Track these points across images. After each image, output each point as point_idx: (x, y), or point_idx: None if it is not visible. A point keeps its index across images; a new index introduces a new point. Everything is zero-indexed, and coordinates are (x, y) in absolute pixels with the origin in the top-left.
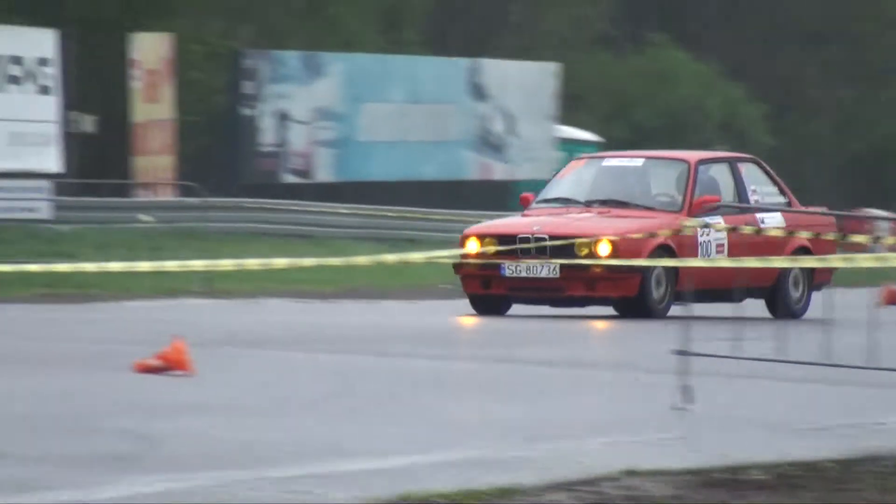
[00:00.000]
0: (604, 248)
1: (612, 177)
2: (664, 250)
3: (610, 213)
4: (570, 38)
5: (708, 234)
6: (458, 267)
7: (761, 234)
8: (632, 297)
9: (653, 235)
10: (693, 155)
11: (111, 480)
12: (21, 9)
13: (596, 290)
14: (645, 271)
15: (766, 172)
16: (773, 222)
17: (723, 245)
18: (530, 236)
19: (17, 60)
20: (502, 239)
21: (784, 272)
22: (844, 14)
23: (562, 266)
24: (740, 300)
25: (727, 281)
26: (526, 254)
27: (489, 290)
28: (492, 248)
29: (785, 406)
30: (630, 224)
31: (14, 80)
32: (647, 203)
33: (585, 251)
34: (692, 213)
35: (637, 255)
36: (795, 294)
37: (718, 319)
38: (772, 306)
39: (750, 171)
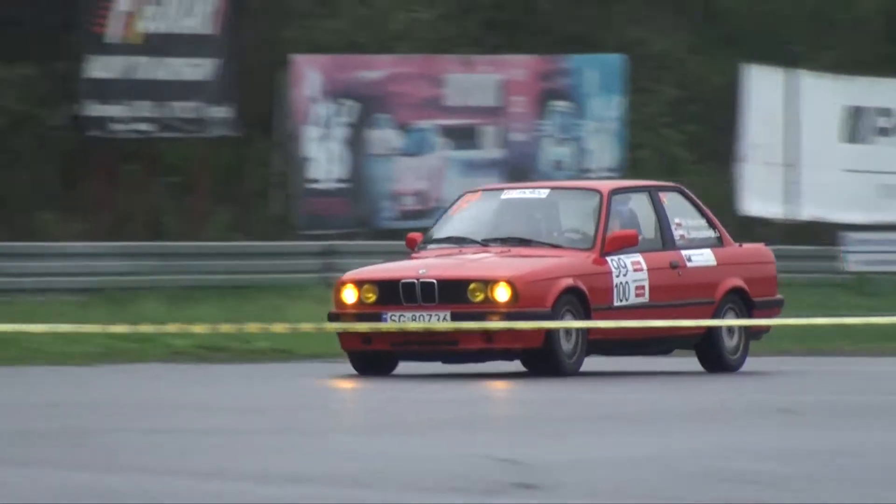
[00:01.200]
0: (502, 293)
1: (512, 211)
2: (573, 293)
3: (510, 253)
4: None
5: (625, 275)
6: (332, 319)
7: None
8: (537, 349)
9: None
10: (606, 184)
11: None
12: (877, 62)
13: (494, 342)
14: (550, 318)
15: (693, 203)
16: (701, 260)
17: (643, 287)
18: (415, 281)
19: (885, 112)
20: (383, 285)
21: (715, 317)
22: None
23: (453, 314)
24: (668, 352)
25: (649, 330)
26: (411, 302)
27: (370, 346)
28: (371, 297)
29: None
30: (532, 264)
31: (883, 132)
32: (553, 240)
33: (480, 296)
34: (605, 251)
35: (541, 299)
36: (730, 344)
37: None
38: (703, 358)
39: (673, 202)
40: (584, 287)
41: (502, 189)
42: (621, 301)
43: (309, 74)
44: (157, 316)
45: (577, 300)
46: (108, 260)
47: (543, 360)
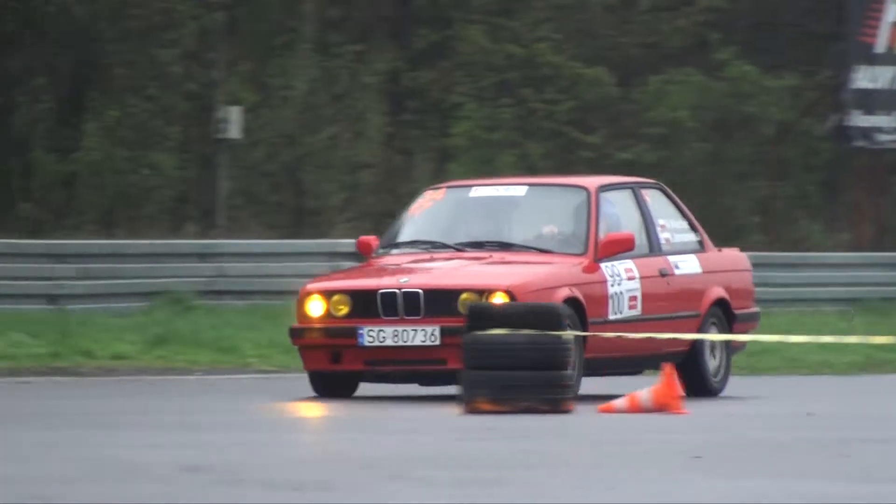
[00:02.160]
0: None
1: (486, 211)
2: (570, 305)
3: (492, 259)
4: None
5: (619, 284)
6: (295, 335)
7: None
8: None
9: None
10: (591, 180)
11: None
12: None
13: None
14: None
15: (673, 202)
16: (688, 267)
17: (636, 297)
18: (397, 291)
19: None
20: (358, 296)
21: (700, 332)
22: None
23: (443, 330)
24: (640, 371)
25: (640, 347)
26: (391, 315)
27: (339, 366)
28: (343, 309)
29: None
30: (529, 272)
31: None
32: (538, 244)
33: None
34: (599, 257)
35: None
36: (713, 364)
37: None
38: (684, 378)
39: (655, 201)
40: (581, 297)
41: (470, 186)
42: (616, 314)
43: None
44: None
45: (576, 313)
46: (870, 270)
47: None
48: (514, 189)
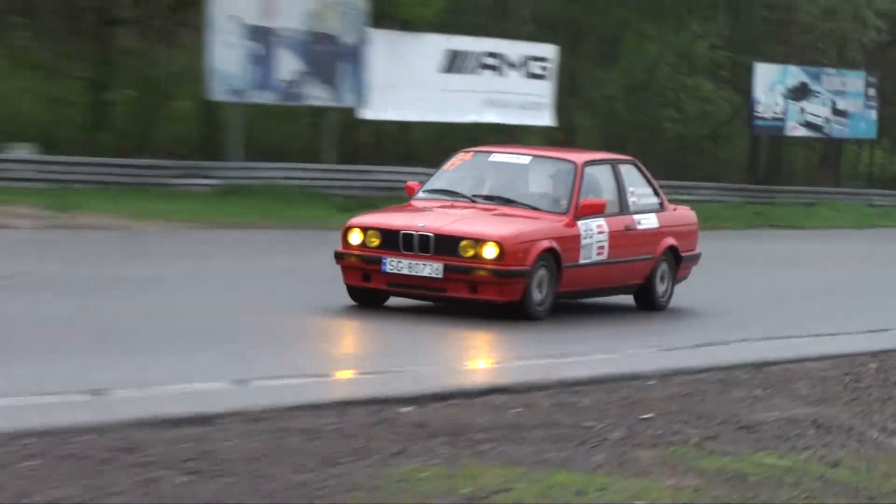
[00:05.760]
0: (490, 251)
1: (498, 173)
2: (549, 253)
3: (496, 211)
4: None
5: (591, 237)
6: (338, 257)
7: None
8: (516, 301)
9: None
10: (580, 156)
11: None
12: None
13: (479, 293)
14: (529, 275)
15: (643, 174)
16: (648, 223)
17: (603, 247)
18: (414, 233)
19: None
20: (385, 233)
21: (654, 269)
22: None
23: (446, 266)
24: (608, 296)
25: (606, 280)
26: (409, 251)
27: (368, 284)
28: (375, 242)
29: None
30: (517, 226)
31: None
32: (532, 203)
33: (471, 252)
34: (578, 216)
35: (524, 259)
36: (661, 289)
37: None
38: (639, 300)
39: (628, 173)
40: (558, 248)
41: (491, 152)
42: (586, 259)
43: None
44: None
45: (552, 258)
46: None
47: (519, 310)
48: (521, 158)
